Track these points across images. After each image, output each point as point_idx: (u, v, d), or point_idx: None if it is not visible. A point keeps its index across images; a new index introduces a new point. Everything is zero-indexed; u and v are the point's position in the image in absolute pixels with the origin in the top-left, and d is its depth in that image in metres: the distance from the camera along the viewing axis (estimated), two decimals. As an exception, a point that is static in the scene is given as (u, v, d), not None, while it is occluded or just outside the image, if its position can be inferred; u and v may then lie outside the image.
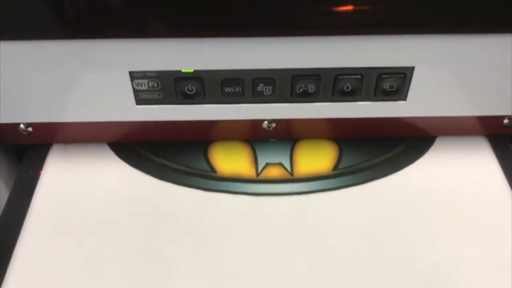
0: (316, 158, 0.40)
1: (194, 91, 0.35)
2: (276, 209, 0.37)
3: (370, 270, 0.33)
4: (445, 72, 0.34)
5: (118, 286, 0.32)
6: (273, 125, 0.39)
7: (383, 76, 0.34)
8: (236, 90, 0.35)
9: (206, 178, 0.39)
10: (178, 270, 0.33)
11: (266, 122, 0.38)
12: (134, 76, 0.34)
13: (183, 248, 0.34)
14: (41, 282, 0.33)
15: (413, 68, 0.34)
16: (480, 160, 0.40)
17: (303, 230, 0.36)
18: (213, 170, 0.40)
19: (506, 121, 0.39)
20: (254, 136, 0.40)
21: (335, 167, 0.40)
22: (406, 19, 0.31)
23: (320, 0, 0.30)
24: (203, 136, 0.40)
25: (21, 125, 0.38)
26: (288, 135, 0.40)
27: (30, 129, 0.39)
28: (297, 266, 0.33)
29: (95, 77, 0.34)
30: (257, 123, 0.38)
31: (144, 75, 0.34)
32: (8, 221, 0.36)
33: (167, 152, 0.40)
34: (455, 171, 0.39)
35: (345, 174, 0.39)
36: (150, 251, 0.34)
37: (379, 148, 0.41)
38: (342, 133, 0.40)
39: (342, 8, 0.31)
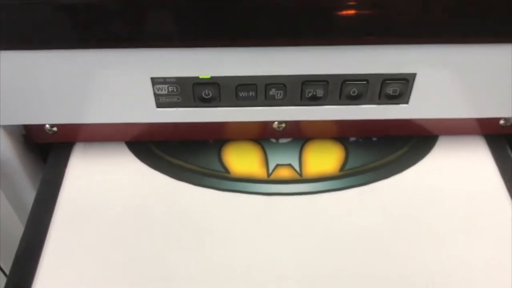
0: (324, 159, 0.43)
1: (210, 95, 0.37)
2: (287, 208, 0.39)
3: (375, 265, 0.35)
4: (444, 78, 0.36)
5: (139, 276, 0.35)
6: (283, 125, 0.41)
7: (387, 81, 0.37)
8: (250, 94, 0.37)
9: (220, 179, 0.41)
10: (195, 264, 0.36)
11: (276, 122, 0.41)
12: (155, 81, 0.36)
13: (199, 243, 0.37)
14: (70, 273, 0.35)
15: (415, 74, 0.36)
16: (478, 160, 0.42)
17: (312, 227, 0.38)
18: (226, 171, 0.42)
19: (502, 122, 0.42)
20: (264, 135, 0.43)
21: (342, 168, 0.42)
22: (407, 30, 0.34)
23: (327, 13, 0.33)
24: (217, 136, 0.42)
25: (47, 125, 0.41)
26: (297, 134, 0.43)
27: (54, 129, 0.41)
28: (306, 259, 0.36)
29: (120, 83, 0.36)
30: (268, 123, 0.41)
31: (164, 80, 0.36)
32: (37, 216, 0.39)
33: (182, 153, 0.43)
34: (455, 171, 0.41)
35: (352, 175, 0.41)
36: (169, 246, 0.37)
37: (383, 150, 0.43)
38: (348, 133, 0.43)
39: (348, 21, 0.33)
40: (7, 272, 0.43)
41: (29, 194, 0.46)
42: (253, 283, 0.35)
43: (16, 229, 0.48)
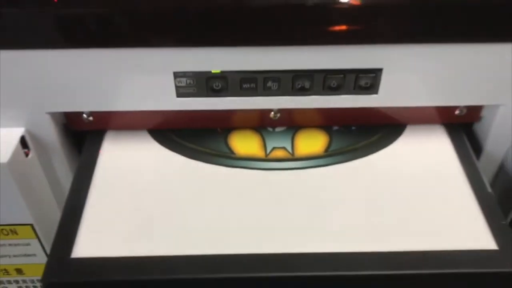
0: (312, 143, 0.52)
1: (220, 86, 0.47)
2: (281, 180, 0.48)
3: (352, 218, 0.44)
4: (405, 72, 0.46)
5: (162, 229, 0.44)
6: (278, 115, 0.51)
7: (360, 75, 0.46)
8: (251, 86, 0.47)
9: (227, 158, 0.50)
10: (207, 218, 0.44)
11: (272, 112, 0.51)
12: (176, 75, 0.46)
13: (211, 204, 0.46)
14: (106, 236, 0.43)
15: (381, 69, 0.46)
16: (439, 143, 0.52)
17: (300, 195, 0.47)
18: (232, 152, 0.51)
19: (457, 112, 0.52)
20: (263, 123, 0.52)
21: (326, 150, 0.51)
22: (374, 34, 0.44)
23: (313, 22, 0.43)
24: (225, 124, 0.51)
25: (84, 115, 0.50)
26: (290, 123, 0.52)
27: (91, 118, 0.51)
28: (296, 218, 0.44)
29: (148, 76, 0.45)
30: (266, 112, 0.50)
31: (184, 74, 0.46)
32: (77, 187, 0.47)
33: (196, 140, 0.52)
34: (419, 150, 0.51)
35: (334, 155, 0.51)
36: (187, 205, 0.45)
37: (360, 136, 0.52)
38: (331, 122, 0.52)
39: (328, 28, 0.43)
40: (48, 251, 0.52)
41: (66, 179, 0.55)
42: (252, 231, 0.43)
43: (55, 211, 0.57)
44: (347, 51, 0.45)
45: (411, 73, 0.46)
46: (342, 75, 0.46)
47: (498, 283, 0.42)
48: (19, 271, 0.59)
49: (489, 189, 0.47)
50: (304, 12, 0.42)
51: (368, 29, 0.43)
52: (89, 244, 0.42)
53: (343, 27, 0.43)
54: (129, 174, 0.49)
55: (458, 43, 0.44)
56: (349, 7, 0.42)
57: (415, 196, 0.46)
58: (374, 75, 0.46)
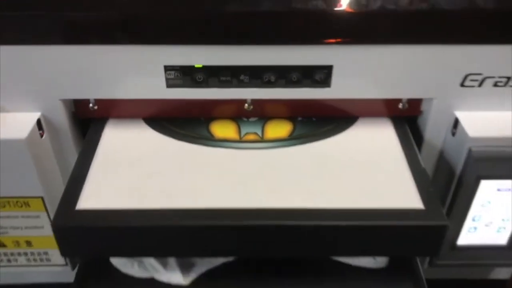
0: (278, 129, 0.62)
1: (202, 79, 0.57)
2: (251, 157, 0.58)
3: (304, 185, 0.54)
4: (353, 69, 0.57)
5: (155, 194, 0.53)
6: (251, 107, 0.61)
7: (315, 71, 0.57)
8: (227, 79, 0.57)
9: (207, 140, 0.60)
10: (193, 181, 0.54)
11: (246, 104, 0.61)
12: (166, 68, 0.56)
13: (195, 172, 0.55)
14: (105, 194, 0.53)
15: (332, 66, 0.57)
16: (384, 131, 0.62)
17: (266, 167, 0.57)
18: (212, 136, 0.61)
19: (400, 105, 0.62)
20: (239, 114, 0.62)
21: (290, 135, 0.62)
22: (326, 37, 0.55)
23: (276, 27, 0.53)
24: (207, 113, 0.62)
25: (90, 104, 0.61)
26: (261, 114, 0.62)
27: (96, 107, 0.61)
28: (261, 183, 0.54)
29: (143, 69, 0.56)
30: (241, 103, 0.61)
31: (172, 68, 0.56)
32: (82, 159, 0.57)
33: (183, 126, 0.62)
34: (367, 136, 0.61)
35: (295, 139, 0.61)
36: (178, 175, 0.55)
37: (318, 125, 0.62)
38: (294, 113, 0.63)
39: (288, 31, 0.54)
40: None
41: (72, 159, 0.64)
42: (226, 191, 0.53)
43: (61, 188, 0.66)
44: (303, 51, 0.54)
45: (356, 69, 0.57)
46: (300, 71, 0.57)
47: (422, 237, 0.52)
48: (28, 243, 0.68)
49: (423, 166, 0.57)
50: (270, 19, 0.53)
51: (320, 32, 0.54)
52: (90, 200, 0.52)
53: (300, 31, 0.54)
54: (126, 150, 0.59)
55: (395, 44, 0.55)
56: (304, 16, 0.53)
57: (360, 169, 0.56)
58: (326, 71, 0.57)
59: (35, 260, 0.70)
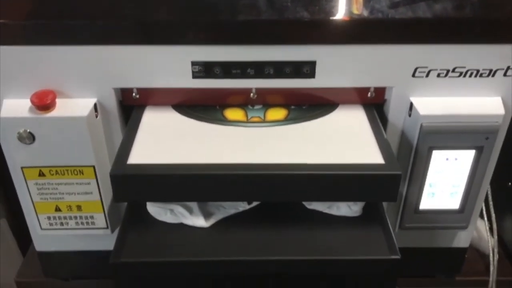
0: (277, 114, 0.80)
1: (218, 72, 0.76)
2: (256, 132, 0.77)
3: (293, 148, 0.73)
4: (332, 63, 0.72)
5: (187, 154, 0.72)
6: (256, 95, 0.80)
7: (303, 65, 0.75)
8: (237, 72, 0.73)
9: (222, 120, 0.79)
10: (215, 149, 0.72)
11: (252, 93, 0.80)
12: (193, 63, 0.75)
13: (213, 141, 0.74)
14: (149, 154, 0.71)
15: (315, 61, 0.75)
16: (357, 115, 0.81)
17: (267, 138, 0.75)
18: (225, 118, 0.80)
19: (369, 94, 0.80)
20: (246, 102, 0.81)
21: (285, 118, 0.80)
22: (310, 39, 0.74)
23: (266, 29, 0.72)
24: (222, 100, 0.80)
25: (133, 93, 0.80)
26: (263, 101, 0.81)
27: (137, 96, 0.80)
28: (263, 147, 0.73)
29: (176, 63, 0.74)
30: (247, 92, 0.80)
31: (197, 63, 0.75)
32: (129, 133, 0.75)
33: (203, 112, 0.81)
34: (344, 120, 0.79)
35: (289, 120, 0.79)
36: (201, 144, 0.73)
37: (308, 111, 0.81)
38: (289, 101, 0.81)
39: (277, 33, 0.73)
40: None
41: (117, 139, 0.83)
42: (238, 152, 0.72)
43: (107, 161, 0.84)
44: (294, 50, 0.68)
45: (334, 64, 0.71)
46: (292, 65, 0.71)
47: (383, 184, 0.70)
48: (79, 207, 0.82)
49: (385, 137, 0.76)
50: (269, 26, 0.71)
51: (306, 36, 0.73)
52: (138, 157, 0.71)
53: (291, 35, 0.70)
54: (162, 127, 0.77)
55: (363, 44, 0.67)
56: (294, 23, 0.72)
57: (337, 140, 0.74)
58: (311, 65, 0.74)
59: (82, 223, 0.82)
